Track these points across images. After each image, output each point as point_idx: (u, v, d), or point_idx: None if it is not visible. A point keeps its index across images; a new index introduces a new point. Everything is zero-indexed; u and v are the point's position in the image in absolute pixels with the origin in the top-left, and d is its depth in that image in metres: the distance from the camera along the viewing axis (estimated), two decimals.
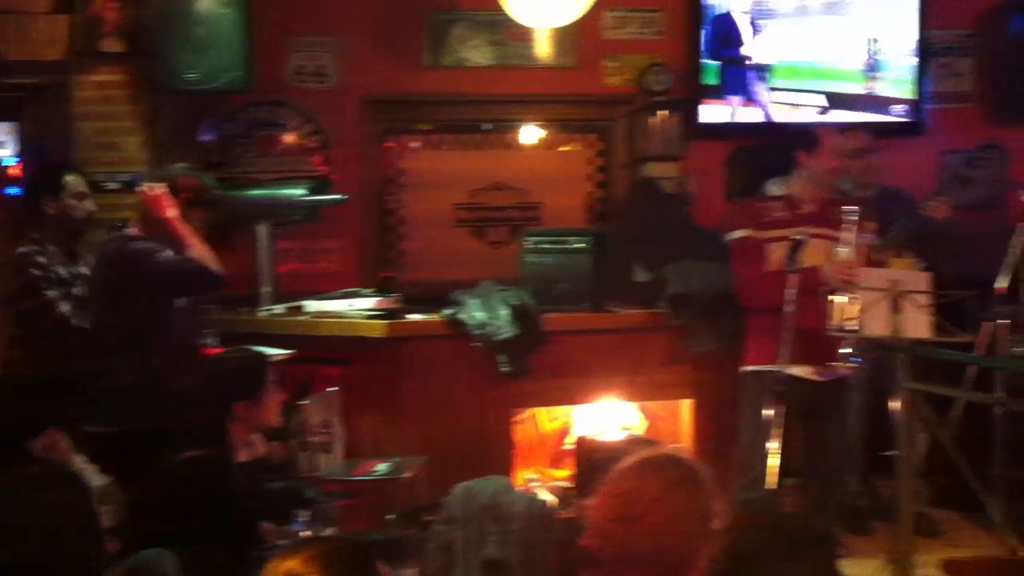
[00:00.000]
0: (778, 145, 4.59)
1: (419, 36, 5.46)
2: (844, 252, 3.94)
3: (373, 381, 4.67)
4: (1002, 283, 4.11)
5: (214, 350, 4.07)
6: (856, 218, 3.99)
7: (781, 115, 5.65)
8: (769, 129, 5.43)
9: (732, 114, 5.62)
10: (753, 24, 5.61)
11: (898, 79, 5.79)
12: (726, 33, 5.60)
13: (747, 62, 5.63)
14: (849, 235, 3.94)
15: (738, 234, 4.22)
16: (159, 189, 3.86)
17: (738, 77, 5.63)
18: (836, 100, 5.68)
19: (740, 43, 5.62)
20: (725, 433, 4.50)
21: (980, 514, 4.03)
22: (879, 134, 5.16)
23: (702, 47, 5.57)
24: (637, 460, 2.17)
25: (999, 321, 4.21)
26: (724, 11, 5.57)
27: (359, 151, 5.44)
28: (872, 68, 5.64)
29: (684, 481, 2.13)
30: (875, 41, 5.59)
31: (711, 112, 5.60)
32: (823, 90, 5.68)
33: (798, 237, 3.98)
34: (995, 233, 4.83)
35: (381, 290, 4.96)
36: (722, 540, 2.12)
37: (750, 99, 5.62)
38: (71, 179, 4.22)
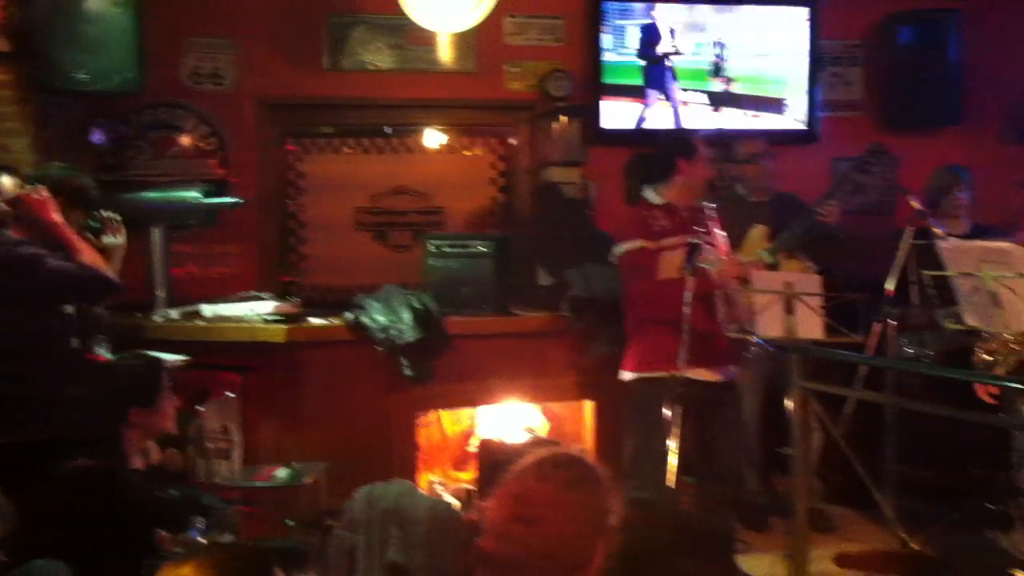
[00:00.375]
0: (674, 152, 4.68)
1: (319, 39, 5.42)
2: (712, 251, 4.06)
3: (273, 386, 4.60)
4: (890, 285, 4.24)
5: (105, 357, 3.96)
6: (715, 216, 4.13)
7: (688, 116, 5.81)
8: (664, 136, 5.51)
9: (644, 112, 5.74)
10: (671, 31, 5.78)
11: (792, 87, 5.97)
12: (650, 38, 5.76)
13: (666, 62, 5.78)
14: (715, 234, 4.08)
15: (631, 245, 4.24)
16: (44, 192, 3.72)
17: (659, 76, 5.77)
18: (730, 101, 5.88)
19: (658, 43, 5.79)
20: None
21: (873, 509, 4.14)
22: (774, 140, 5.29)
23: (636, 50, 5.73)
24: (534, 460, 2.17)
25: (888, 322, 4.34)
26: (651, 20, 5.74)
27: (258, 154, 5.37)
28: (717, 70, 5.80)
29: (580, 480, 2.14)
30: (723, 46, 5.77)
31: (624, 111, 5.71)
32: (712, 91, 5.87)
33: (695, 241, 4.05)
34: (885, 236, 4.98)
35: (281, 294, 4.90)
36: (620, 538, 2.14)
37: (667, 98, 5.78)
38: (6, 181, 4.01)
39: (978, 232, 4.76)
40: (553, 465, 2.16)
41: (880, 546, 4.09)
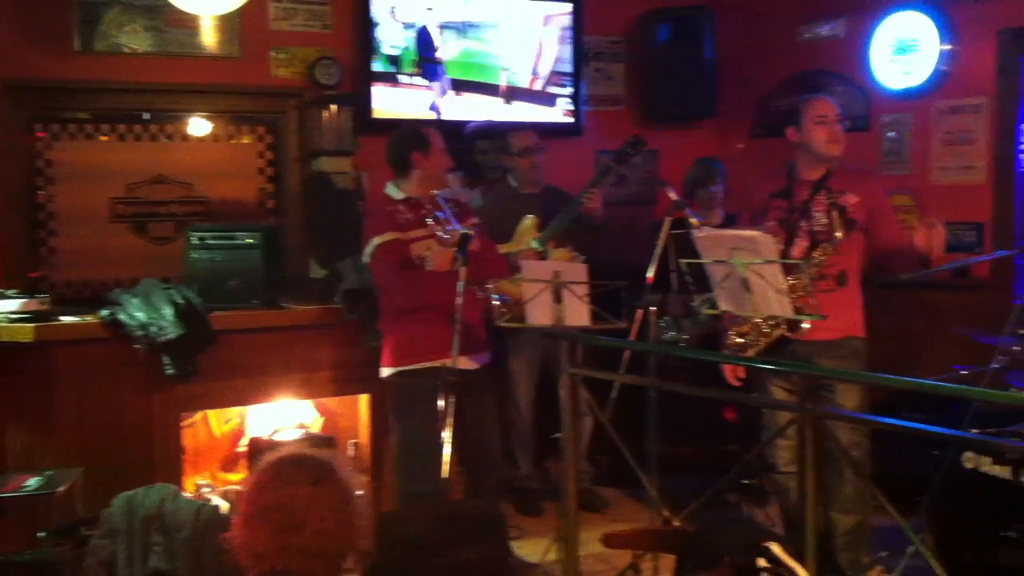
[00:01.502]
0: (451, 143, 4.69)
1: (68, 18, 5.09)
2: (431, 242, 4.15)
3: (22, 389, 4.30)
4: (651, 273, 4.39)
5: None
6: (446, 203, 4.26)
7: (458, 109, 5.87)
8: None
9: (418, 103, 5.82)
10: (441, 30, 5.86)
11: (558, 81, 6.13)
12: (424, 41, 5.82)
13: (438, 62, 5.86)
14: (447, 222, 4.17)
15: (383, 239, 4.21)
16: None
17: (432, 72, 5.84)
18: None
19: (435, 47, 5.86)
20: None
21: (640, 489, 4.30)
22: (543, 134, 5.39)
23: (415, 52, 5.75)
24: (269, 472, 2.18)
25: (649, 308, 4.50)
26: (422, 25, 5.80)
27: (1, 141, 4.99)
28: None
29: (320, 473, 2.18)
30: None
31: (397, 100, 5.73)
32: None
33: (466, 232, 4.07)
34: (646, 226, 5.18)
35: (28, 291, 4.57)
36: (389, 523, 2.19)
37: (439, 91, 5.87)
38: None
39: (730, 221, 5.02)
40: (291, 465, 2.20)
41: (646, 524, 4.25)
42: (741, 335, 4.02)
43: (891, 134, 5.74)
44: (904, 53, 5.56)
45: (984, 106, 5.31)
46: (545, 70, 6.12)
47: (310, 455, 2.24)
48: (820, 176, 4.06)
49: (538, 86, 6.11)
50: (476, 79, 5.97)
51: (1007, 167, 5.29)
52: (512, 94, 6.04)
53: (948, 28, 5.38)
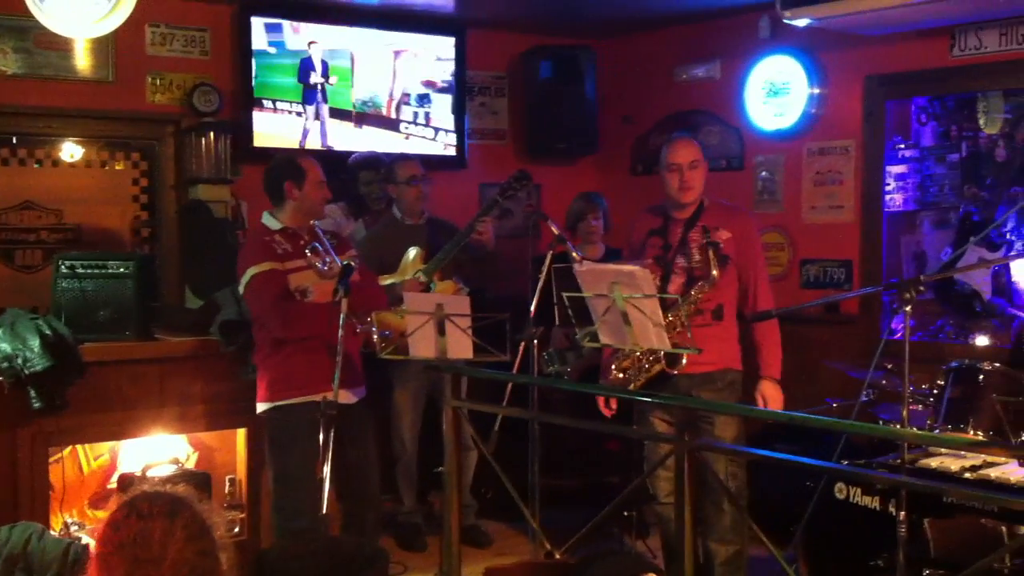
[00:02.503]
0: (336, 174, 4.63)
1: None
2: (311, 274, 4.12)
3: None
4: (533, 306, 4.42)
5: None
6: (324, 234, 4.25)
7: (339, 139, 5.87)
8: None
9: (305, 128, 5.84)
10: (324, 62, 5.87)
11: (442, 114, 6.16)
12: (306, 68, 5.82)
13: (319, 89, 5.86)
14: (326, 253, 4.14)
15: (260, 269, 4.11)
16: None
17: (313, 99, 5.84)
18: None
19: (313, 75, 5.87)
20: None
21: (524, 522, 4.29)
22: (427, 165, 5.40)
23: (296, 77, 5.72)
24: (122, 509, 2.15)
25: (533, 341, 4.52)
26: (307, 54, 5.82)
27: None
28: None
29: (177, 510, 2.15)
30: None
31: (279, 128, 5.71)
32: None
33: (348, 263, 4.03)
34: (529, 259, 5.21)
35: None
36: (267, 561, 2.16)
37: (319, 119, 5.89)
38: None
39: (610, 255, 5.09)
40: (144, 501, 2.17)
41: (528, 558, 4.24)
42: (622, 371, 4.07)
43: (764, 174, 5.92)
44: (776, 96, 5.76)
45: (852, 148, 5.54)
46: (396, 98, 6.17)
47: (163, 491, 2.22)
48: (691, 214, 4.16)
49: (393, 114, 6.13)
50: (339, 107, 5.98)
51: (874, 207, 5.51)
52: (363, 120, 6.06)
53: (818, 73, 5.60)
